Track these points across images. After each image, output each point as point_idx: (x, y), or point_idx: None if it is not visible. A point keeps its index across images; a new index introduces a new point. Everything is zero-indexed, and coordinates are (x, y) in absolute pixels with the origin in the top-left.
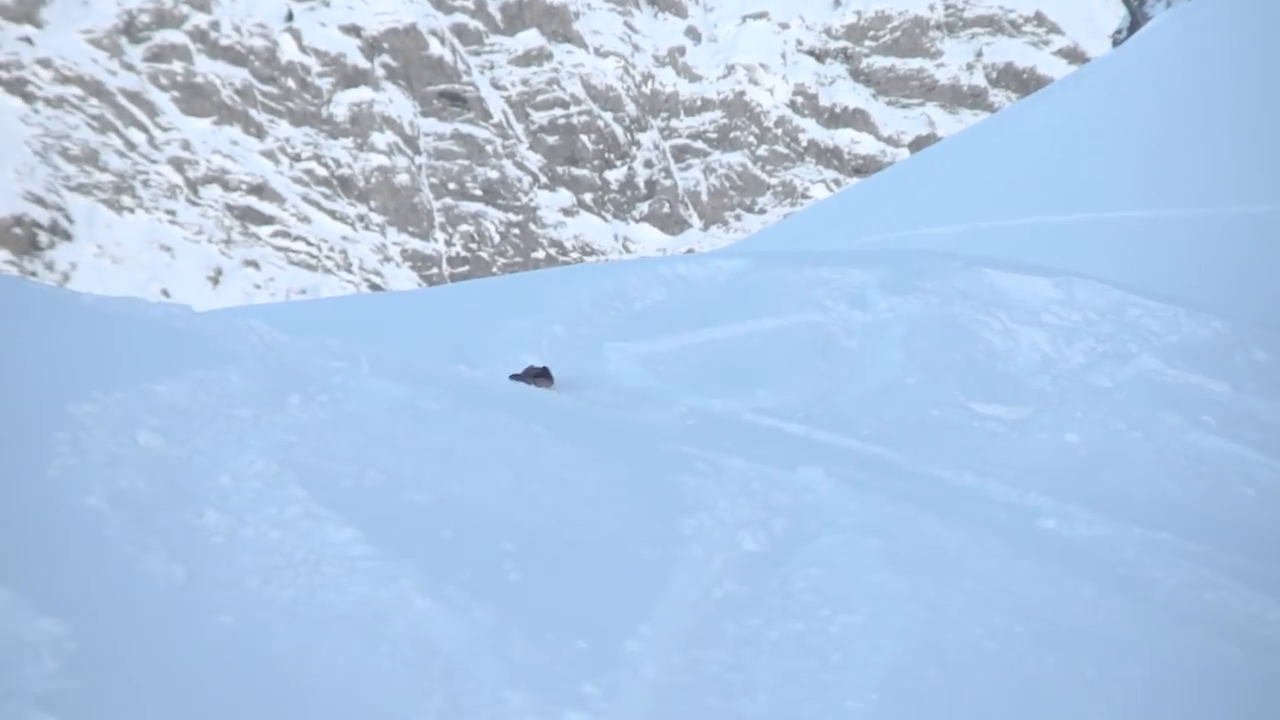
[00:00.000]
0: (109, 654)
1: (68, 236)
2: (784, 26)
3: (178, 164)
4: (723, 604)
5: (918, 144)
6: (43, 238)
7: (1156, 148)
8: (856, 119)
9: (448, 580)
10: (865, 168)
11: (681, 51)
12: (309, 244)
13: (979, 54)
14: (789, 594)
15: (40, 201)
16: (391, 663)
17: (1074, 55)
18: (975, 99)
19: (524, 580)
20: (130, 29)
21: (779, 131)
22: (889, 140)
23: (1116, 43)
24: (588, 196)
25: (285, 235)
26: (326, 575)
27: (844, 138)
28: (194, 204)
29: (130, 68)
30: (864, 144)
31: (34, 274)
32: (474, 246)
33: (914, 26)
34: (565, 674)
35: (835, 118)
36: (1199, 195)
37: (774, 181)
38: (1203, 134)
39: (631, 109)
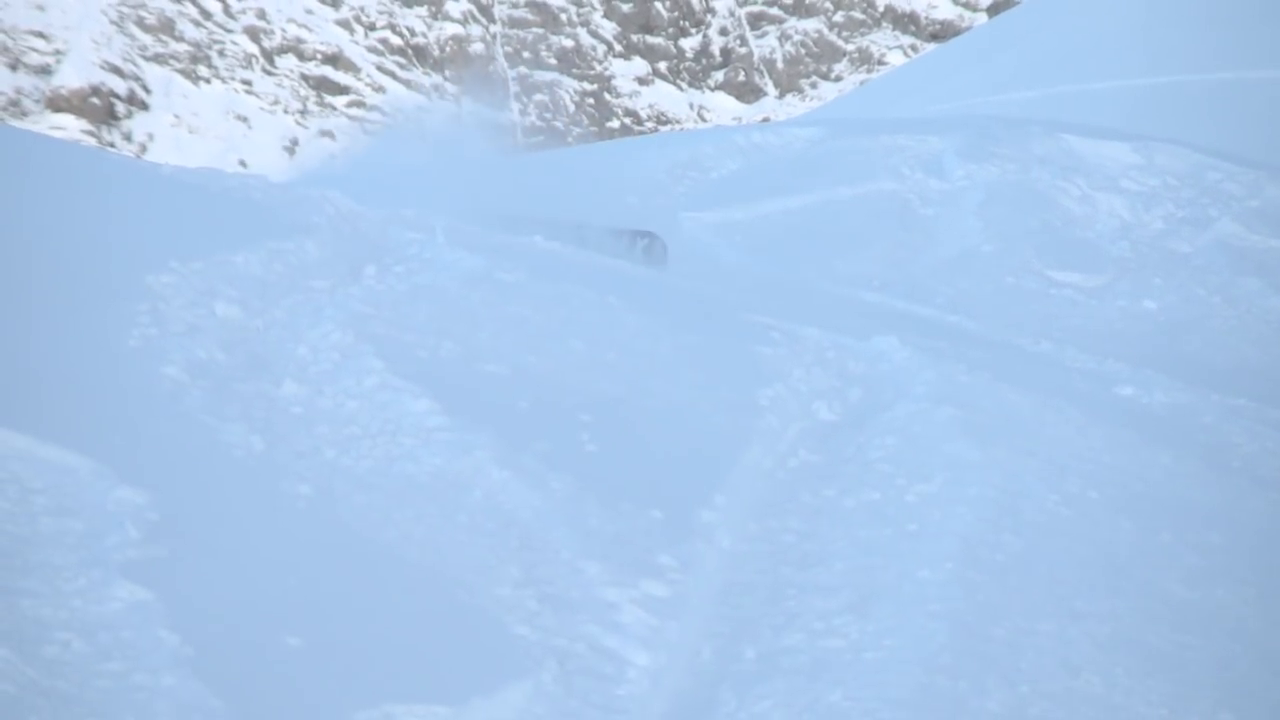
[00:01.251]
0: (190, 523)
1: (144, 106)
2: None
3: (253, 33)
4: (798, 473)
5: (996, 8)
6: (120, 107)
7: (1237, 7)
8: None
9: (524, 450)
10: (942, 33)
11: None
12: (383, 114)
13: None
14: (864, 463)
15: (117, 71)
16: (469, 533)
17: None
18: None
19: (600, 450)
20: None
21: None
22: (966, 4)
23: None
24: (663, 65)
25: (361, 105)
26: (403, 445)
27: (921, 2)
28: (269, 74)
29: None
30: (941, 8)
31: (111, 144)
32: (549, 116)
33: None
34: (641, 544)
35: None
36: (1273, 57)
37: (850, 48)
38: None
39: None
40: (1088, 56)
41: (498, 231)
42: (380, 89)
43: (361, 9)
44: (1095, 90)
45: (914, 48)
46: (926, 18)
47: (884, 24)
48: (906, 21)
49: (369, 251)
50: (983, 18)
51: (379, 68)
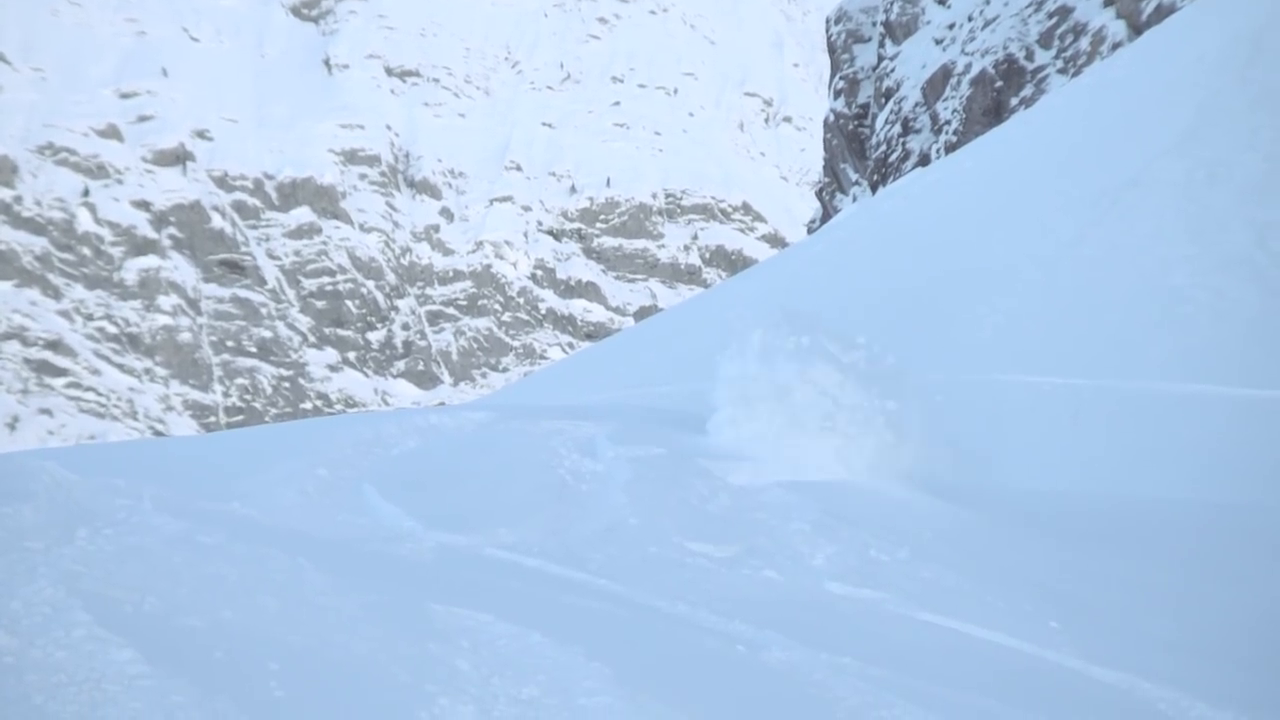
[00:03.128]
0: None
1: None
2: (526, 209)
3: None
4: None
5: (641, 313)
6: None
7: (846, 318)
8: (589, 290)
9: (217, 696)
10: (596, 333)
11: (436, 229)
12: (99, 394)
13: (695, 237)
14: (521, 703)
15: None
16: None
17: (775, 240)
18: (691, 275)
19: (287, 696)
20: None
21: (521, 300)
22: (616, 309)
23: (811, 230)
24: (351, 355)
25: (77, 386)
26: (107, 692)
27: (578, 307)
28: None
29: None
30: (595, 312)
31: None
32: (249, 398)
33: (639, 212)
34: None
35: (570, 289)
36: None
37: (516, 344)
38: (886, 310)
39: (391, 278)
40: (719, 356)
41: (199, 499)
42: (96, 371)
43: (81, 301)
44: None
45: (571, 345)
46: (582, 319)
47: (545, 324)
48: (565, 322)
49: (82, 516)
50: (630, 321)
51: (95, 353)
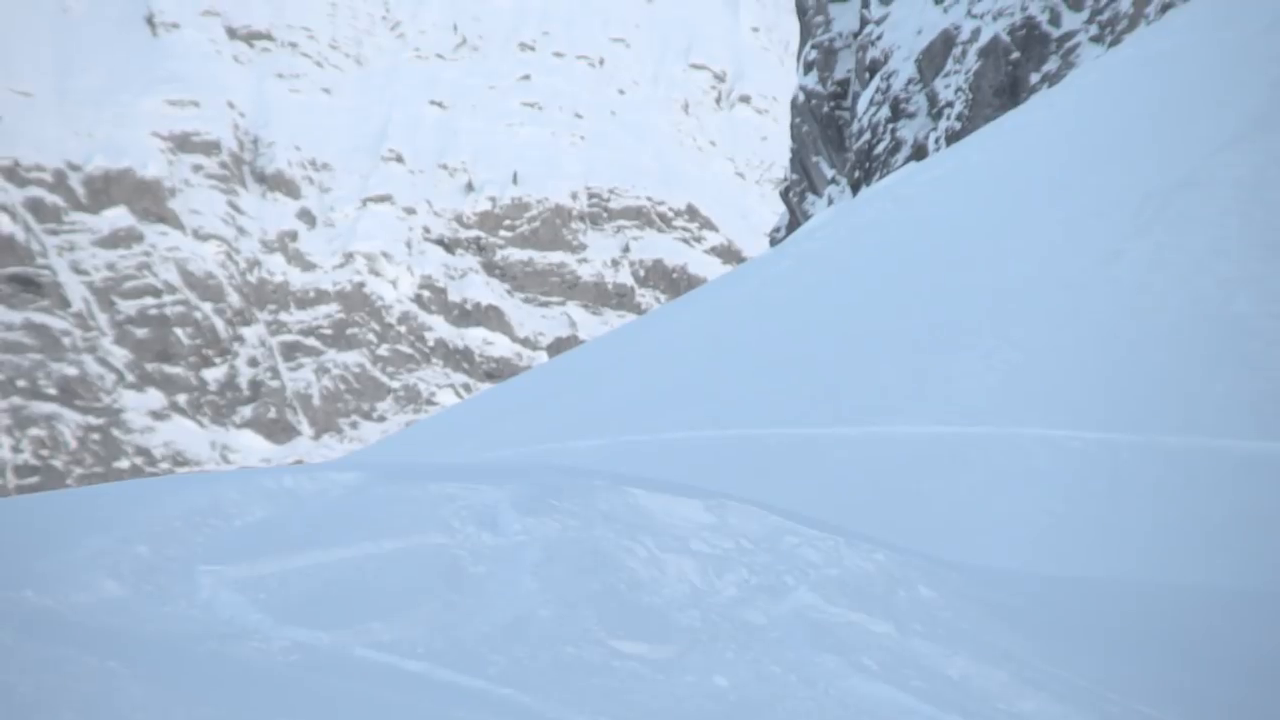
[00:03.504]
0: None
1: None
2: (409, 212)
3: None
4: None
5: (557, 346)
6: None
7: (818, 359)
8: (490, 317)
9: None
10: (499, 371)
11: (293, 236)
12: None
13: (625, 249)
14: None
15: None
16: None
17: (728, 254)
18: (621, 298)
19: None
20: None
21: (403, 329)
22: (525, 342)
23: (774, 241)
24: (182, 398)
25: None
26: None
27: (475, 337)
28: None
29: None
30: (498, 345)
31: None
32: (46, 453)
33: (554, 216)
34: None
35: (466, 315)
36: (864, 413)
37: (396, 385)
38: (869, 344)
39: (234, 299)
40: (656, 404)
41: None
42: None
43: None
44: (664, 441)
45: (467, 387)
46: (481, 354)
47: (434, 359)
48: (459, 358)
49: None
50: (543, 356)
51: None
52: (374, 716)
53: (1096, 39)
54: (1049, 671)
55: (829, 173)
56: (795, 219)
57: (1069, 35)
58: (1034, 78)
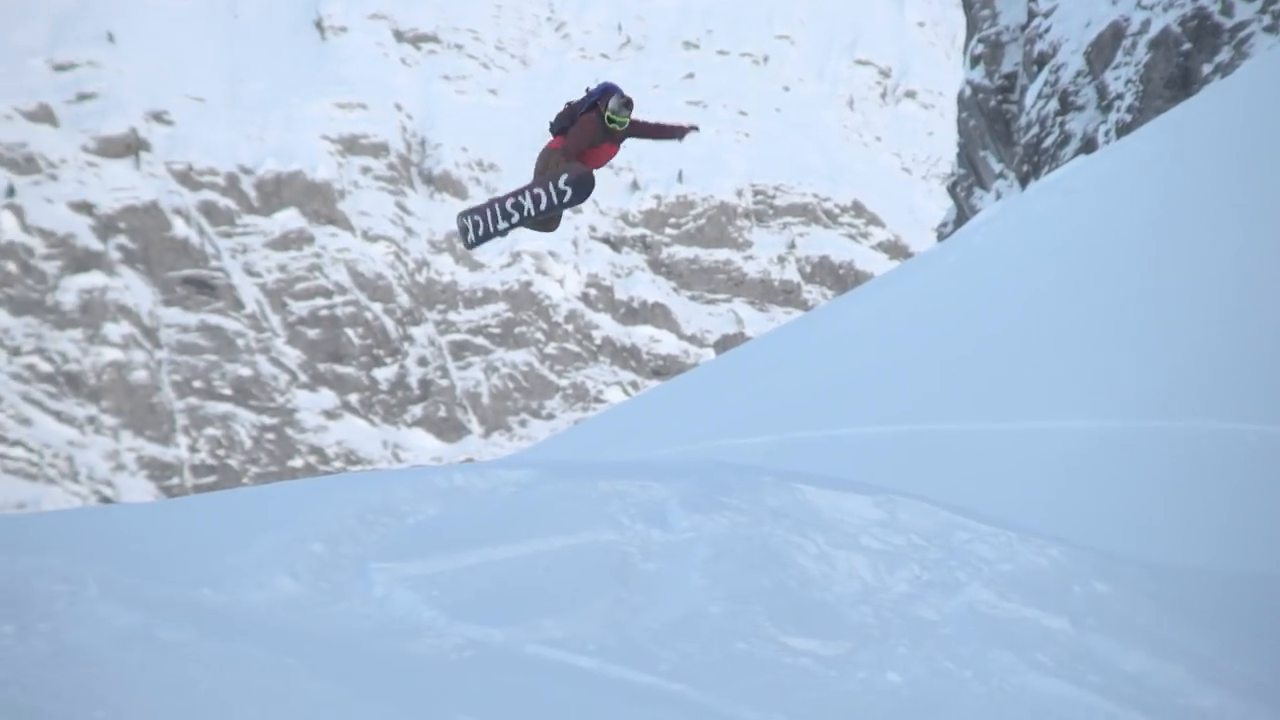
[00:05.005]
0: None
1: None
2: (575, 211)
3: None
4: None
5: (724, 344)
6: None
7: (987, 354)
8: (656, 314)
9: None
10: (666, 369)
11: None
12: (28, 449)
13: (791, 245)
14: None
15: None
16: None
17: (895, 249)
18: (787, 295)
19: None
20: None
21: (570, 327)
22: (692, 339)
23: (942, 236)
24: (353, 398)
25: (1, 440)
26: None
27: (642, 335)
28: None
29: None
30: (664, 343)
31: None
32: (222, 453)
33: (719, 214)
34: None
35: (632, 313)
36: (1034, 407)
37: (564, 383)
38: (1038, 339)
39: (404, 300)
40: (824, 401)
41: (159, 583)
42: (26, 421)
43: (5, 331)
44: (833, 437)
45: (635, 385)
46: (648, 352)
47: (601, 357)
48: (626, 355)
49: (7, 607)
50: (710, 354)
51: (24, 397)
52: (547, 713)
53: (1270, 29)
54: (1229, 667)
55: (996, 167)
56: (963, 214)
57: (1241, 26)
58: (1206, 69)
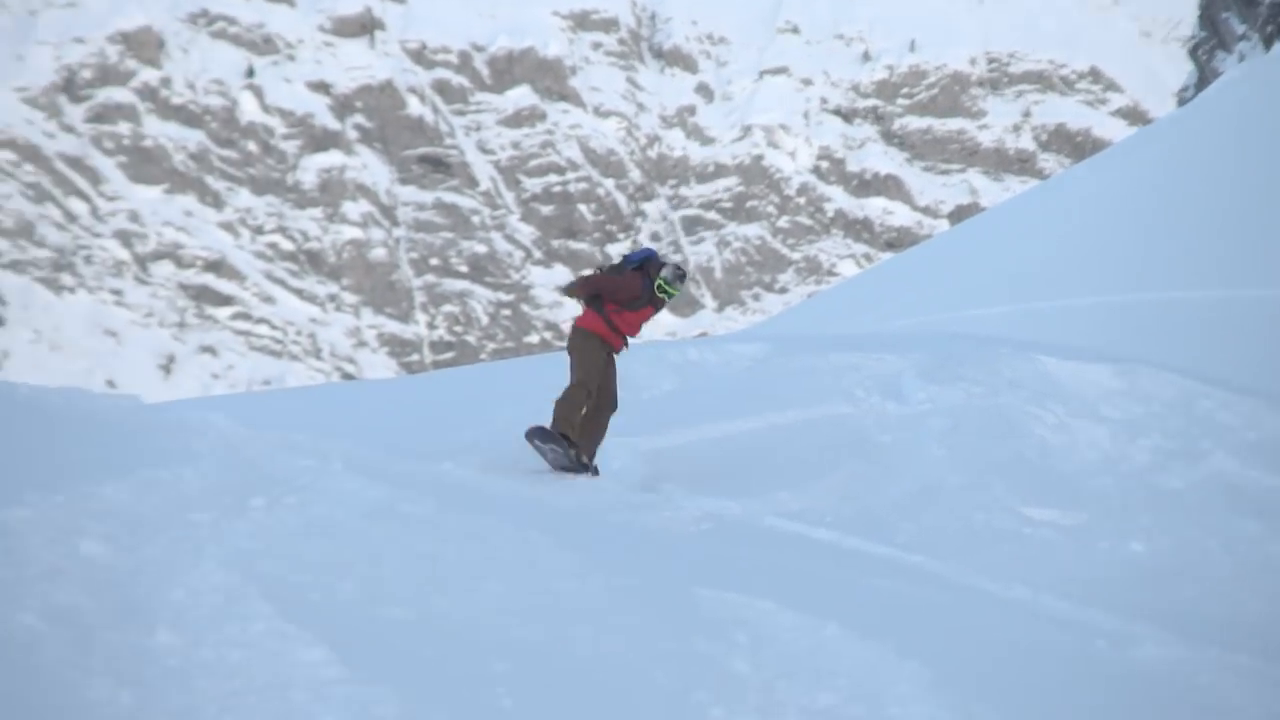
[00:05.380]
0: None
1: (0, 321)
2: (806, 83)
3: (124, 238)
4: None
5: (958, 214)
6: None
7: (1230, 219)
8: (889, 186)
9: (432, 707)
10: (899, 241)
11: (691, 111)
12: (273, 327)
13: (1026, 114)
14: (816, 714)
15: None
16: None
17: (1134, 115)
18: (1023, 164)
19: (516, 706)
20: (70, 86)
21: (802, 200)
22: (926, 210)
23: (1183, 101)
24: (587, 274)
25: (246, 317)
26: (294, 702)
27: (875, 207)
28: (143, 283)
29: (70, 130)
30: (898, 214)
31: None
32: (459, 329)
33: (953, 83)
34: None
35: (865, 185)
36: (1273, 274)
37: (797, 256)
38: None
39: (635, 175)
40: (1062, 270)
41: (402, 458)
42: (269, 299)
43: (248, 210)
44: (1071, 307)
45: (868, 257)
46: (881, 224)
47: (834, 231)
48: (860, 228)
49: (256, 481)
50: (944, 225)
51: (268, 275)
52: (785, 585)
53: None
54: None
55: (1239, 28)
56: (1204, 77)
57: None
58: None
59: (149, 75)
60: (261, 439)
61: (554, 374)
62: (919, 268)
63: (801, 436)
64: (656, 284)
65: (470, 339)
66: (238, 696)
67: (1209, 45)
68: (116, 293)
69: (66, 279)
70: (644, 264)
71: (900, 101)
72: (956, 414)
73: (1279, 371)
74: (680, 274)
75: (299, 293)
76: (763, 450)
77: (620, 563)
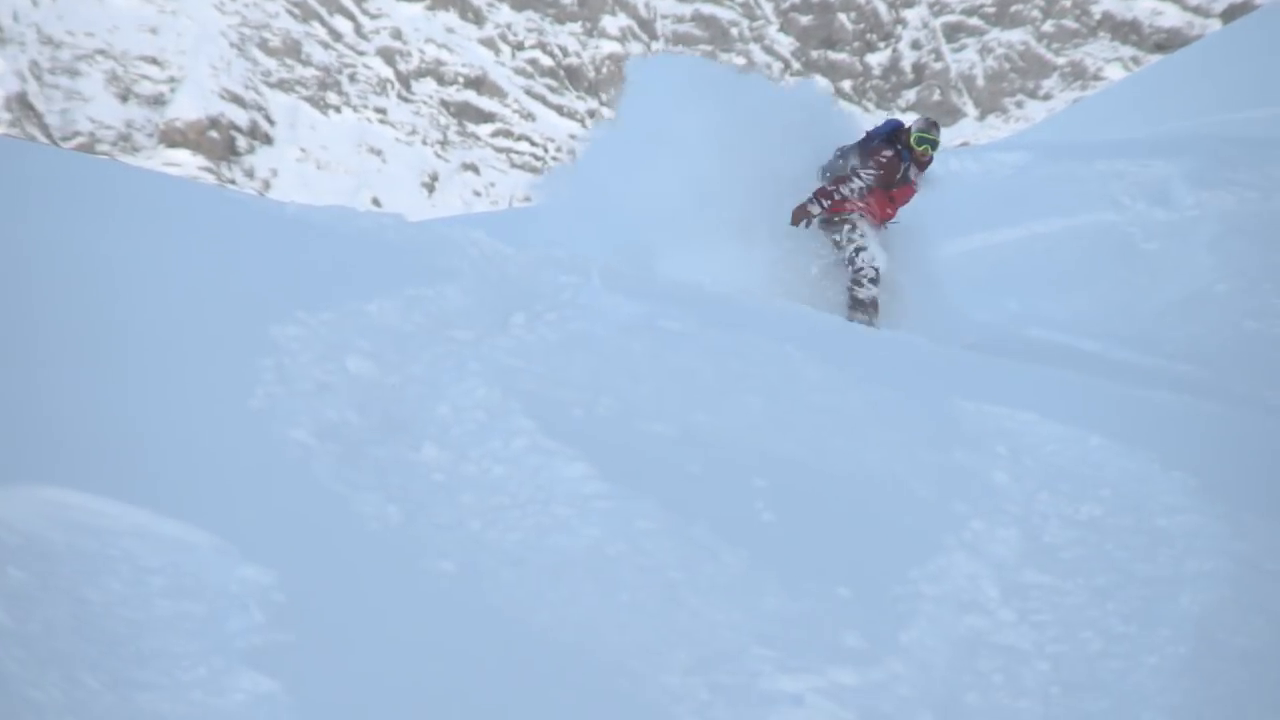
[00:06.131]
0: (319, 604)
1: (268, 140)
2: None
3: (388, 55)
4: (1002, 551)
5: (1230, 13)
6: (241, 141)
7: None
8: None
9: (693, 520)
10: (1169, 43)
11: None
12: (534, 144)
13: None
14: (1086, 544)
15: (238, 100)
16: (630, 614)
17: None
18: None
19: (777, 520)
20: None
21: (1067, 3)
22: (1196, 10)
23: None
24: (847, 84)
25: (507, 135)
26: (557, 516)
27: (1144, 8)
28: (406, 100)
29: None
30: (1167, 14)
31: (232, 181)
32: None
33: None
34: (826, 626)
35: None
36: None
37: (1061, 61)
38: None
39: None
40: None
41: (659, 274)
42: (529, 116)
43: (508, 26)
44: None
45: (1136, 60)
46: (1150, 25)
47: (1100, 34)
48: (1127, 30)
49: (517, 298)
50: (1216, 24)
51: (528, 92)
52: (1049, 396)
53: None
54: None
55: None
56: None
57: None
58: None
59: None
60: (522, 256)
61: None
62: (1189, 70)
63: (1065, 245)
64: (914, 139)
65: None
66: (502, 511)
67: None
68: (380, 111)
69: (332, 97)
70: (893, 135)
71: None
72: (1228, 219)
73: None
74: (931, 122)
75: (559, 109)
76: (1026, 259)
77: (879, 375)
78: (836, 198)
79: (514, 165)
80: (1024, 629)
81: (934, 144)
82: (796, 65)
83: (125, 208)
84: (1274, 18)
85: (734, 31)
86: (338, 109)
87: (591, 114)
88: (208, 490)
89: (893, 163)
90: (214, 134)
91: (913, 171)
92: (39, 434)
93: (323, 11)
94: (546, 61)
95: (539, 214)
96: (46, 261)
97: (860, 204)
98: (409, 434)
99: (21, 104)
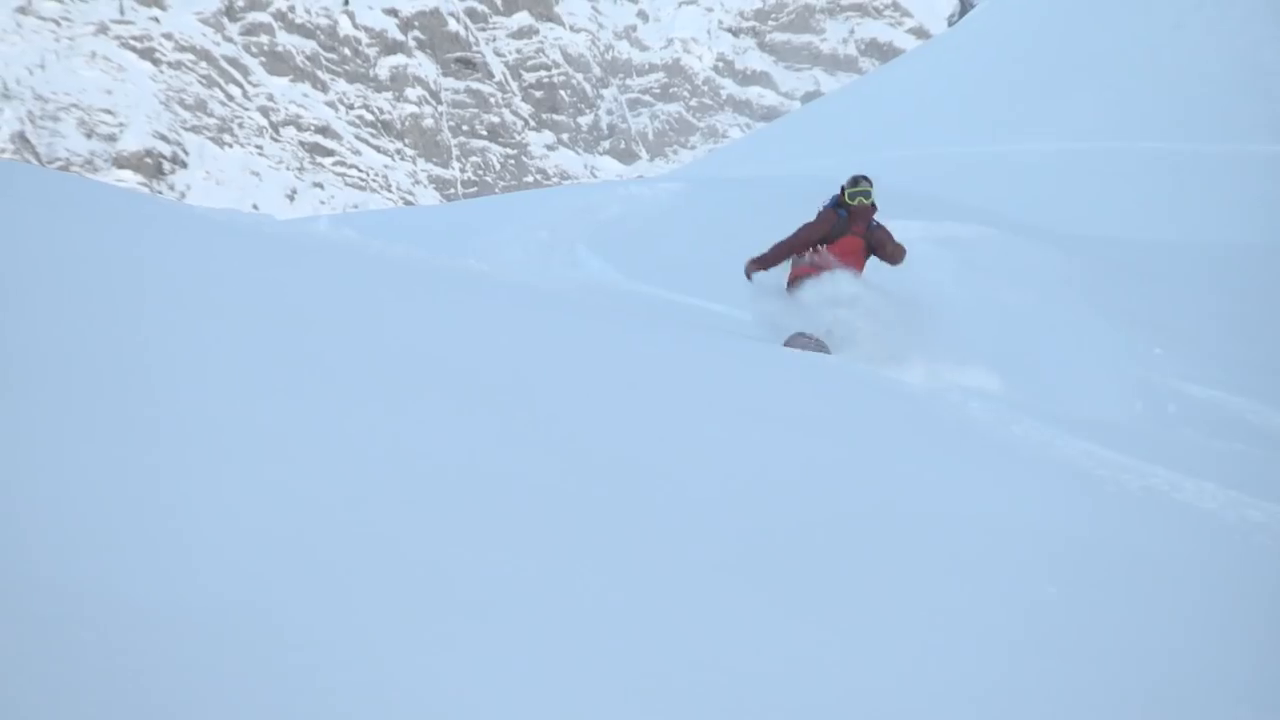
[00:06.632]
0: None
1: (184, 165)
2: (709, 10)
3: (264, 111)
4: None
5: (807, 98)
6: (166, 166)
7: (981, 101)
8: (762, 79)
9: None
10: (769, 115)
11: (634, 28)
12: (360, 171)
13: (852, 31)
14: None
15: (164, 138)
16: None
17: (920, 33)
18: (849, 65)
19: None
20: (230, 10)
21: (706, 88)
22: (786, 95)
23: (950, 23)
24: (565, 136)
25: (343, 164)
26: None
27: (753, 93)
28: (275, 141)
29: (230, 39)
30: (768, 98)
31: (160, 192)
32: (481, 173)
33: (805, 11)
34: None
35: (747, 78)
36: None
37: (702, 125)
38: (1011, 93)
39: (597, 71)
40: (879, 133)
41: (443, 254)
42: (358, 152)
43: (343, 94)
44: (883, 158)
45: (748, 125)
46: (757, 104)
47: (726, 108)
48: (743, 106)
49: (352, 266)
50: (797, 104)
51: (357, 136)
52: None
53: None
54: None
55: None
56: (965, 6)
57: None
58: None
59: (280, 3)
60: (351, 240)
61: (542, 202)
62: (783, 133)
63: (715, 245)
64: (847, 196)
65: (488, 179)
66: None
67: None
68: (259, 147)
69: (227, 138)
70: (835, 200)
71: (770, 23)
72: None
73: None
74: (856, 178)
75: (377, 148)
76: (686, 258)
77: (586, 326)
78: (769, 259)
79: (347, 184)
80: None
81: (865, 193)
82: (532, 124)
83: (88, 208)
84: (831, 103)
85: (492, 100)
86: (230, 145)
87: (398, 152)
88: None
89: (825, 216)
90: (148, 160)
91: (859, 224)
92: None
93: (221, 81)
94: (369, 117)
95: (363, 217)
96: (42, 249)
97: (807, 265)
98: None
99: (21, 139)
